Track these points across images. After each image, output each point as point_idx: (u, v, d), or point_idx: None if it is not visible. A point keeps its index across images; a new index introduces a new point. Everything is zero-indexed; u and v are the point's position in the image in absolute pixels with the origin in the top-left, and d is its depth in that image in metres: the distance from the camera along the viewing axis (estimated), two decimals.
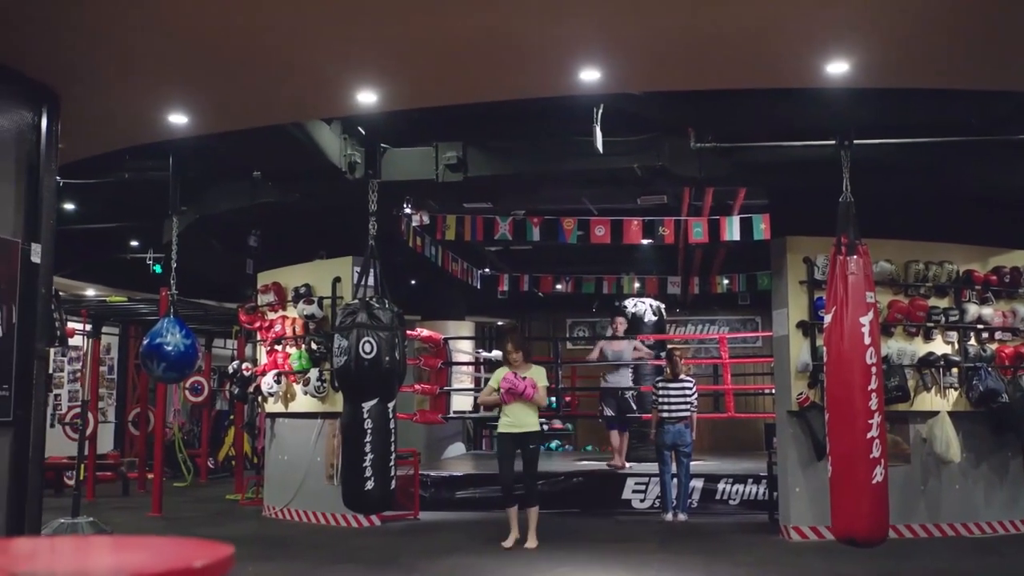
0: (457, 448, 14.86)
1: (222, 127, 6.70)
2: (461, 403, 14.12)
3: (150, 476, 12.33)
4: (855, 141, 7.03)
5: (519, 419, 7.88)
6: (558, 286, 16.22)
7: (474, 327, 17.04)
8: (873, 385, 6.46)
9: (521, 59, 5.39)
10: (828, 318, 6.63)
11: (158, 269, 12.54)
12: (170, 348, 8.57)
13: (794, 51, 5.30)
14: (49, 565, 1.25)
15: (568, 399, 14.96)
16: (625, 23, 4.89)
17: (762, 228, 10.84)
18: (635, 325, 12.55)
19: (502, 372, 8.02)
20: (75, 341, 12.64)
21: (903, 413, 8.31)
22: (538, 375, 7.98)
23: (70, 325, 11.10)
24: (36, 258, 5.47)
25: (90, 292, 13.60)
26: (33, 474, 5.35)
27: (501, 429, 8.02)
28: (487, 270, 15.87)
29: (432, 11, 4.73)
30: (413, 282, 14.77)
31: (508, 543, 7.85)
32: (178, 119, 6.35)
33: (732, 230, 11.22)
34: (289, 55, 5.31)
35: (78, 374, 12.92)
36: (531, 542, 7.84)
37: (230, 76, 5.65)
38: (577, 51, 5.28)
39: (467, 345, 14.77)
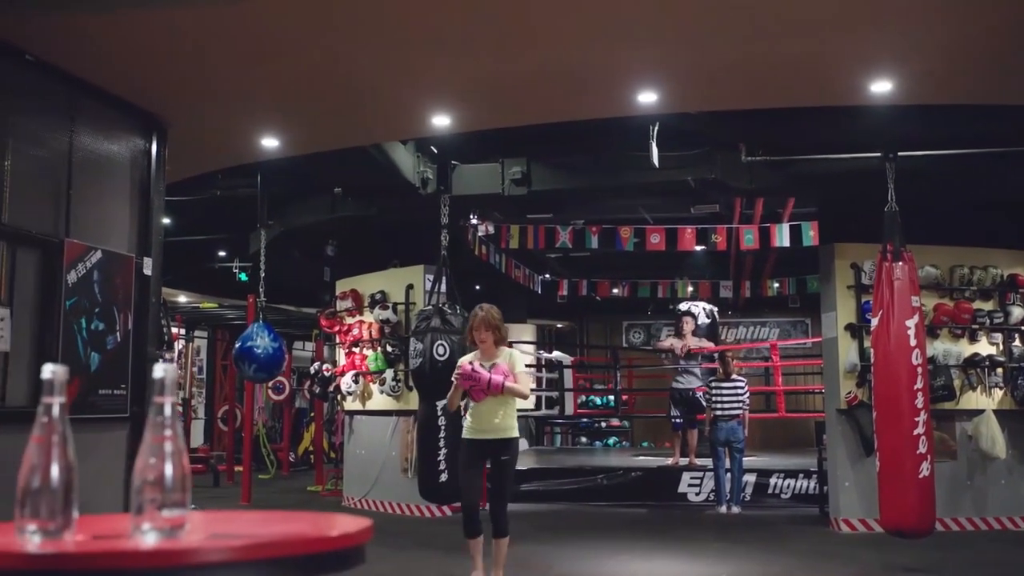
0: (520, 444, 15.07)
1: (309, 149, 7.01)
2: (524, 402, 14.31)
3: (237, 469, 12.77)
4: (899, 153, 7.09)
5: (487, 422, 5.64)
6: (615, 290, 16.31)
7: (535, 330, 17.25)
8: (919, 384, 6.52)
9: (583, 85, 5.60)
10: (875, 321, 6.70)
11: (243, 277, 12.99)
12: (259, 351, 8.94)
13: (841, 73, 5.42)
14: (232, 530, 1.49)
15: (626, 399, 15.09)
16: (682, 52, 5.07)
17: (811, 235, 10.84)
18: (693, 329, 12.63)
19: (467, 361, 5.77)
20: None
21: (949, 411, 8.31)
22: (513, 360, 5.76)
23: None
24: (148, 271, 5.83)
25: (182, 299, 14.12)
26: None
27: (466, 435, 5.79)
28: (547, 276, 16.04)
29: (503, 46, 4.96)
30: (478, 287, 15.03)
31: None
32: (270, 142, 6.68)
33: (782, 237, 11.23)
34: (373, 85, 5.59)
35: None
36: None
37: (318, 104, 5.95)
38: (635, 77, 5.47)
39: (529, 347, 14.98)
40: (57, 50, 4.90)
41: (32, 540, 1.33)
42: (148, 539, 1.34)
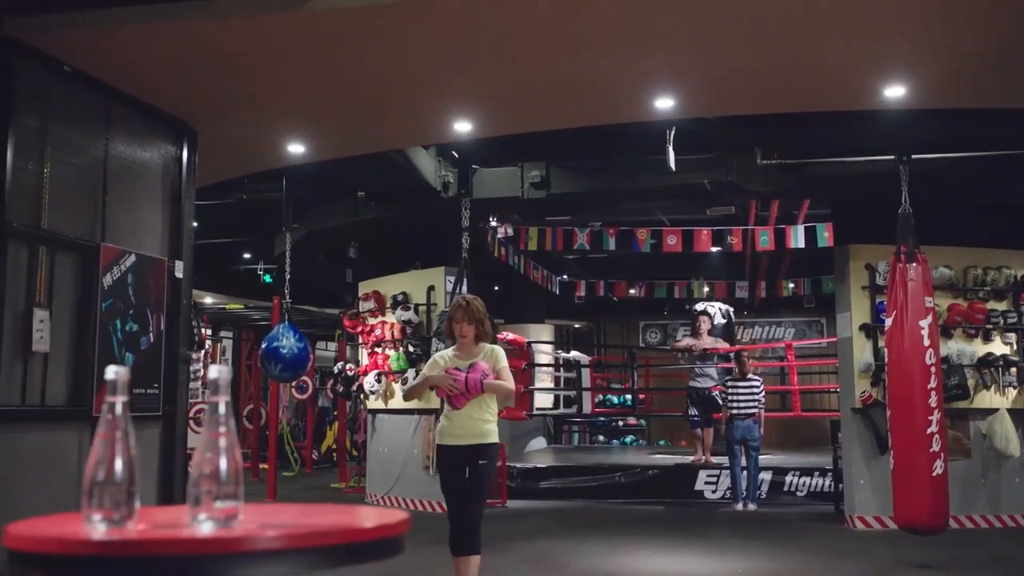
0: (539, 442, 15.15)
1: (334, 154, 7.12)
2: (543, 401, 14.39)
3: (263, 466, 12.90)
4: (913, 156, 7.12)
5: (466, 426, 4.95)
6: (632, 291, 16.36)
7: (553, 330, 17.32)
8: (932, 384, 6.55)
9: (602, 92, 5.67)
10: (889, 322, 6.73)
11: (267, 279, 13.13)
12: (285, 351, 9.05)
13: (855, 78, 5.46)
14: (280, 520, 1.57)
15: (642, 398, 15.13)
16: (698, 59, 5.13)
17: (826, 236, 10.85)
18: (708, 328, 12.68)
19: (441, 359, 5.11)
20: None
21: (964, 410, 8.32)
22: (496, 357, 5.05)
23: None
24: (179, 274, 5.95)
25: (208, 300, 14.28)
26: (178, 459, 5.82)
27: (442, 440, 5.05)
28: (565, 277, 16.10)
29: (525, 56, 5.04)
30: (497, 288, 15.11)
31: None
32: (296, 148, 6.78)
33: (797, 238, 11.24)
34: (397, 93, 5.68)
35: (199, 373, 13.55)
36: None
37: (344, 111, 6.05)
38: (653, 83, 5.54)
39: (547, 347, 15.05)
40: (94, 61, 5.02)
41: (98, 528, 1.41)
42: (205, 528, 1.42)
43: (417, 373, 9.62)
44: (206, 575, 1.34)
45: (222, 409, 1.48)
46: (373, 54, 5.04)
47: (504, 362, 5.07)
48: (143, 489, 4.66)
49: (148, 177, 5.79)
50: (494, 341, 5.26)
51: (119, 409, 1.46)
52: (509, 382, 5.03)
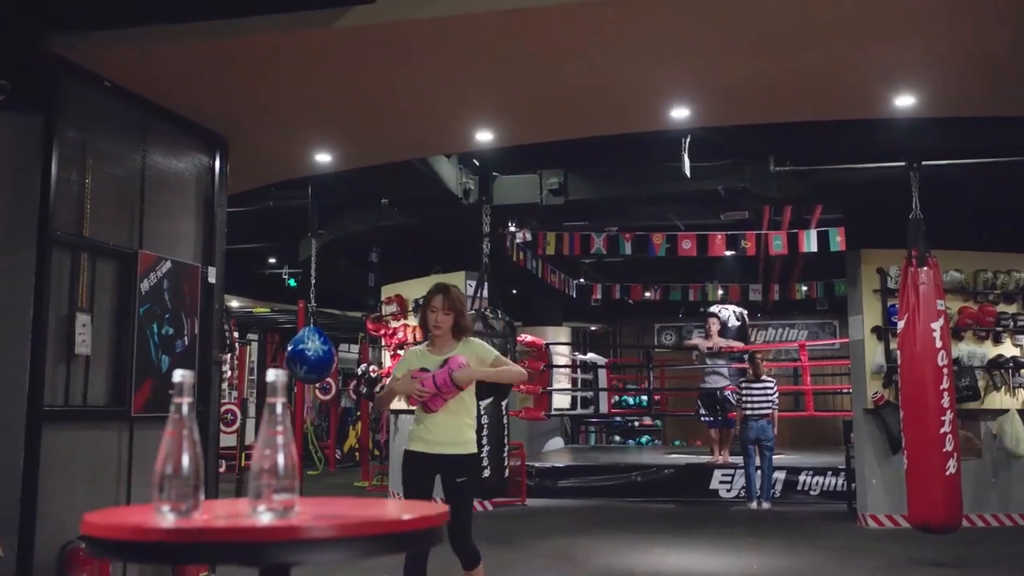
0: (556, 442, 15.24)
1: (359, 163, 7.23)
2: (560, 401, 14.49)
3: None
4: (923, 162, 7.17)
5: (443, 431, 4.28)
6: (647, 294, 16.44)
7: (570, 332, 17.40)
8: (944, 385, 6.60)
9: (619, 102, 5.75)
10: (901, 324, 6.78)
11: (292, 283, 13.28)
12: (311, 353, 9.17)
13: (865, 88, 5.52)
14: (331, 512, 1.67)
15: (658, 398, 15.20)
16: (712, 70, 5.21)
17: (838, 240, 10.90)
18: (720, 330, 12.74)
19: (413, 357, 4.44)
20: None
21: (974, 411, 8.35)
22: (480, 351, 4.39)
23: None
24: (212, 279, 6.08)
25: (234, 303, 14.46)
26: (211, 459, 5.94)
27: (413, 446, 4.33)
28: (582, 280, 16.20)
29: (545, 68, 5.13)
30: (515, 291, 15.21)
31: None
32: (323, 157, 6.90)
33: (809, 242, 11.30)
34: (422, 106, 5.78)
35: (227, 375, 13.76)
36: None
37: (370, 122, 6.16)
38: (668, 94, 5.61)
39: (564, 349, 15.14)
40: (132, 77, 5.15)
41: (167, 518, 1.52)
42: (265, 518, 1.53)
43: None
44: (268, 560, 1.45)
45: (279, 409, 1.59)
46: (399, 69, 5.15)
47: (494, 352, 4.44)
48: None
49: (182, 186, 5.92)
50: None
51: (185, 409, 1.58)
52: (513, 367, 4.50)
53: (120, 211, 5.30)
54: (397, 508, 1.75)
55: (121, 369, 5.17)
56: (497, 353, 4.45)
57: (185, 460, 1.55)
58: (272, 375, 1.59)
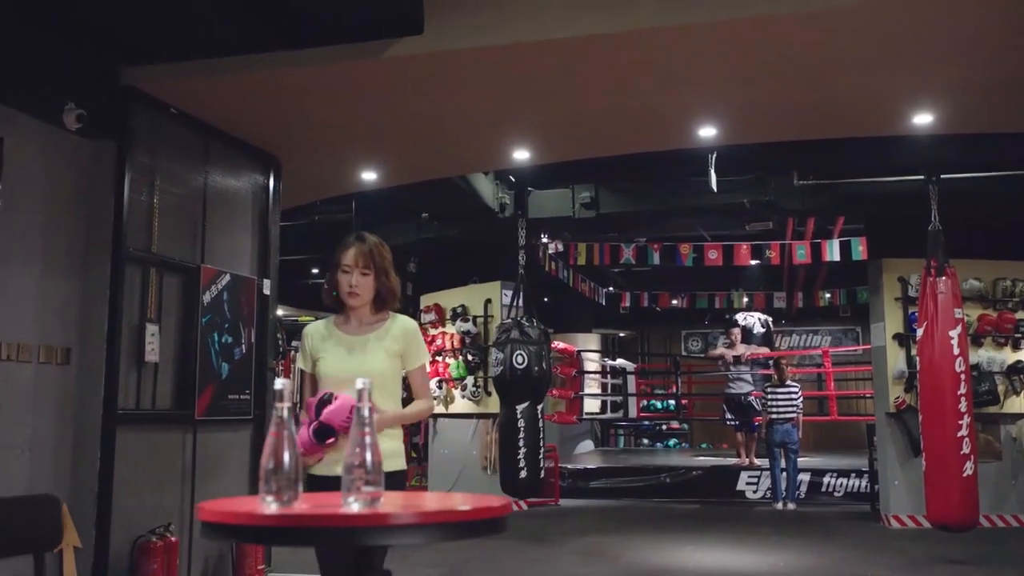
0: (587, 445, 15.38)
1: (402, 180, 7.44)
2: (591, 406, 14.61)
3: None
4: (942, 176, 7.24)
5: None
6: (674, 301, 16.49)
7: (600, 339, 17.53)
8: (962, 390, 6.66)
9: (650, 123, 5.91)
10: (920, 332, 6.86)
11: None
12: None
13: (885, 108, 5.63)
14: (410, 503, 1.86)
15: (685, 403, 15.28)
16: (739, 93, 5.35)
17: (860, 250, 10.94)
18: (745, 336, 12.84)
19: (315, 337, 3.13)
20: None
21: (994, 415, 8.39)
22: (412, 343, 3.08)
23: None
24: (266, 291, 6.31)
25: (280, 312, 14.74)
26: None
27: (317, 470, 2.90)
28: (611, 288, 16.31)
29: (581, 93, 5.31)
30: (546, 299, 15.37)
31: None
32: (369, 175, 7.13)
33: (832, 252, 11.35)
34: (463, 127, 5.99)
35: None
36: None
37: (413, 143, 6.38)
38: (697, 115, 5.77)
39: (594, 355, 15.27)
40: (195, 104, 5.41)
41: (271, 507, 1.72)
42: (356, 507, 1.72)
43: (475, 380, 9.95)
44: (360, 542, 1.64)
45: (365, 412, 1.78)
46: (441, 94, 5.35)
47: (423, 355, 3.10)
48: (236, 481, 5.02)
49: (240, 204, 6.17)
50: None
51: (285, 413, 1.77)
52: (426, 397, 3.09)
53: (184, 228, 5.55)
54: (467, 500, 1.93)
55: (186, 375, 5.41)
56: (424, 360, 3.10)
57: (286, 457, 1.74)
58: (360, 383, 1.78)
